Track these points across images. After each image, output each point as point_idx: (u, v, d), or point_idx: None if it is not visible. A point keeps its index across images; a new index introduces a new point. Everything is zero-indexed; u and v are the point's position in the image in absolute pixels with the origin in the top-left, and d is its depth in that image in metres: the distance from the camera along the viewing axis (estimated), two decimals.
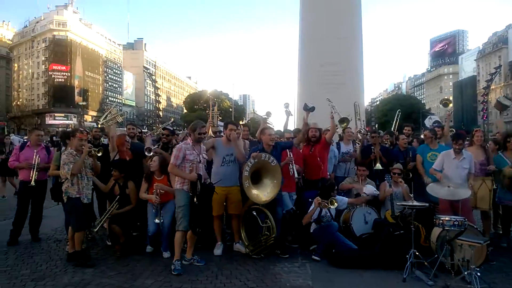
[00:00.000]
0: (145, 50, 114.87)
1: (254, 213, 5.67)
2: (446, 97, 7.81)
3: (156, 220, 5.62)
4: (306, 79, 12.30)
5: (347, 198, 6.33)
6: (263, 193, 5.65)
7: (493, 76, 52.07)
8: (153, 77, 60.88)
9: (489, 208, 6.48)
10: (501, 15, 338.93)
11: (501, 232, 6.99)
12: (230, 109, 76.89)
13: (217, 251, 5.82)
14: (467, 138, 6.97)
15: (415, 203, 5.17)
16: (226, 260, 5.58)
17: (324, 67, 11.74)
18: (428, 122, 10.14)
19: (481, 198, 6.35)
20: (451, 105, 7.46)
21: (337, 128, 7.06)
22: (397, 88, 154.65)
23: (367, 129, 7.96)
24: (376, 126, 8.74)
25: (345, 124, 7.25)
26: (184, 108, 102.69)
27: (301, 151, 6.79)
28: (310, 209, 5.84)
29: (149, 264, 5.40)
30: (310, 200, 5.94)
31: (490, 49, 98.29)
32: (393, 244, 5.34)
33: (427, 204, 5.40)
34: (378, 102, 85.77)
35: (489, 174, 6.48)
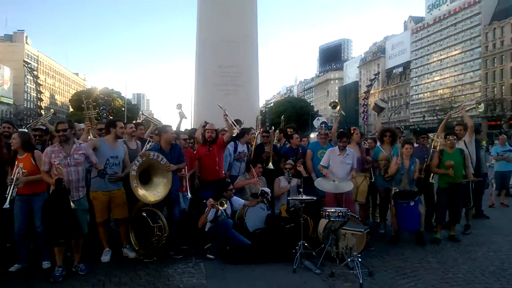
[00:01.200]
0: (27, 43, 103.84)
1: (144, 214, 5.39)
2: (334, 100, 8.38)
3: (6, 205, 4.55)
4: (202, 81, 12.16)
5: (243, 200, 6.32)
6: (152, 193, 5.42)
7: (373, 82, 57.49)
8: (35, 72, 55.16)
9: (366, 201, 7.23)
10: (380, 28, 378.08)
11: (378, 220, 7.71)
12: (123, 108, 73.23)
13: (105, 257, 5.39)
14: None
15: (304, 197, 5.43)
16: (114, 267, 5.20)
17: (221, 69, 11.75)
18: (316, 123, 10.99)
19: (361, 192, 6.96)
20: (339, 107, 8.07)
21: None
22: (289, 91, 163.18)
23: (261, 129, 8.15)
24: (273, 127, 9.05)
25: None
26: (70, 106, 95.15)
27: (194, 152, 6.73)
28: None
29: (25, 278, 4.82)
30: (204, 201, 5.84)
31: (371, 57, 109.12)
32: (284, 237, 5.55)
33: (314, 198, 5.70)
34: (272, 104, 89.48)
35: (367, 170, 7.16)
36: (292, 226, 5.72)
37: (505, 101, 64.74)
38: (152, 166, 5.50)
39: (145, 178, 5.49)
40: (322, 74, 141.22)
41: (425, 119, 71.25)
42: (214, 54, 11.86)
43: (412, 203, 6.12)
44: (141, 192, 5.34)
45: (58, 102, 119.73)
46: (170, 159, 5.63)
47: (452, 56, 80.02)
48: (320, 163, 6.57)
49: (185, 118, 7.30)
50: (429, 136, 7.72)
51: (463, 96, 75.75)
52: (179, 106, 7.31)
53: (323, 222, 5.54)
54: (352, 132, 7.20)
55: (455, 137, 6.85)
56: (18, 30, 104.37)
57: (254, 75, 12.44)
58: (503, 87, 67.46)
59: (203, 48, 12.26)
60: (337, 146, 6.51)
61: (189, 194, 5.99)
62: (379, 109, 8.79)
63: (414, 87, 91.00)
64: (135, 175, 5.29)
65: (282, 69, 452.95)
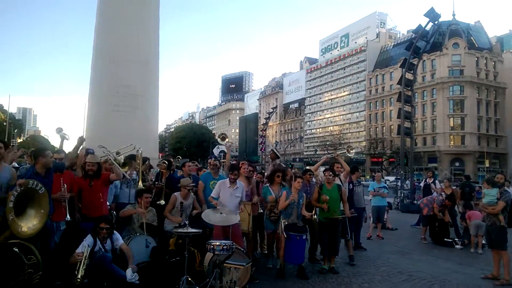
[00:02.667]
0: None
1: (16, 250, 4.61)
2: (223, 132, 8.48)
3: None
4: (97, 99, 11.55)
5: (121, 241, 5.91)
6: (27, 226, 4.75)
7: (270, 114, 60.50)
8: None
9: (248, 230, 6.96)
10: (279, 64, 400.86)
11: (266, 252, 7.86)
12: (5, 123, 65.78)
13: None
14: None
15: (190, 229, 5.35)
16: None
17: (118, 88, 11.25)
18: (216, 151, 11.14)
19: (242, 220, 6.79)
20: (227, 139, 8.19)
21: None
22: (191, 117, 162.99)
23: (160, 155, 7.99)
24: (172, 151, 8.88)
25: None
26: None
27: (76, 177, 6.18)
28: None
29: None
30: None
31: (270, 91, 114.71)
32: (169, 271, 5.36)
33: (200, 230, 5.64)
34: (173, 129, 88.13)
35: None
36: (178, 259, 5.57)
37: (385, 140, 72.52)
38: (29, 195, 4.82)
39: (19, 209, 4.77)
40: (224, 103, 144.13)
41: (317, 152, 76.46)
42: (111, 72, 11.44)
43: (304, 237, 6.44)
44: (21, 224, 4.67)
45: None
46: (45, 184, 5.11)
47: (341, 96, 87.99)
48: (211, 194, 6.56)
49: (67, 139, 6.73)
50: (313, 172, 8.17)
51: (350, 134, 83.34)
52: (59, 130, 6.72)
53: (209, 255, 5.49)
54: (240, 166, 7.27)
55: (331, 173, 7.36)
56: None
57: (153, 97, 12.26)
58: (384, 128, 75.81)
59: (100, 65, 11.80)
60: (227, 179, 6.58)
61: (68, 216, 5.41)
62: (274, 156, 9.13)
63: (308, 123, 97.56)
64: (11, 207, 4.57)
65: (184, 94, 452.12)
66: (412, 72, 20.26)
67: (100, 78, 11.74)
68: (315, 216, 7.43)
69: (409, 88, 20.19)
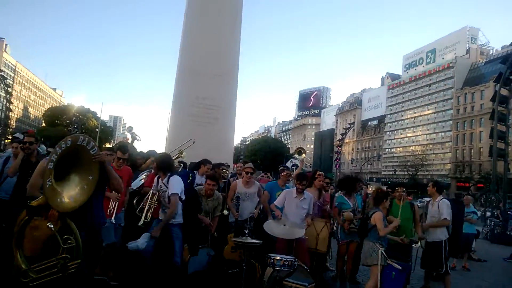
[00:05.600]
0: (5, 51, 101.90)
1: (51, 226, 3.30)
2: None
3: None
4: (179, 110, 11.98)
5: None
6: (69, 195, 3.49)
7: (347, 130, 58.74)
8: (7, 80, 53.74)
9: (316, 248, 6.38)
10: (359, 80, 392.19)
11: (332, 269, 7.24)
12: (97, 129, 71.69)
13: None
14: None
15: (249, 239, 4.99)
16: None
17: (198, 100, 11.62)
18: (289, 164, 10.92)
19: (322, 240, 6.35)
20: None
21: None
22: (267, 131, 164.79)
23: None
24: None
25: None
26: (43, 121, 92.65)
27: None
28: None
29: None
30: None
31: (348, 107, 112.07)
32: (226, 283, 5.06)
33: (260, 242, 5.24)
34: (248, 142, 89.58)
35: (327, 216, 6.73)
36: (237, 271, 5.25)
37: (473, 164, 66.81)
38: (76, 156, 3.58)
39: (61, 173, 3.50)
40: (300, 118, 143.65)
41: (396, 173, 72.52)
42: (193, 84, 11.79)
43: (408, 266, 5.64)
44: (60, 193, 3.42)
45: (31, 115, 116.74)
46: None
47: (425, 115, 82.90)
48: (274, 202, 6.13)
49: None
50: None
51: (434, 155, 78.06)
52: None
53: (269, 271, 5.10)
54: (316, 176, 6.73)
55: (403, 189, 6.60)
56: None
57: (231, 110, 12.37)
58: (472, 150, 69.84)
59: (183, 78, 12.21)
60: (294, 188, 6.15)
61: (113, 220, 5.26)
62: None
63: (387, 141, 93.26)
64: (52, 168, 3.34)
65: (262, 108, 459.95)
66: (508, 88, 18.27)
67: (182, 90, 12.22)
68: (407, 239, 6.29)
69: (504, 106, 18.20)
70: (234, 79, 12.69)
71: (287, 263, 4.56)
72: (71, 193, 3.51)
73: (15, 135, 6.37)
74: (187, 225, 5.31)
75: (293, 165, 10.72)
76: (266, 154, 78.92)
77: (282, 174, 7.01)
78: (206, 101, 11.68)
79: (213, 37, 12.17)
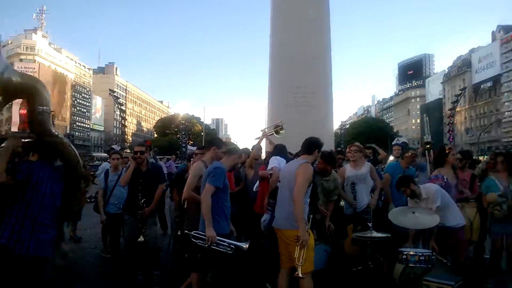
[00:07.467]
0: (117, 74, 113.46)
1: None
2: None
3: None
4: (275, 101, 11.94)
5: None
6: None
7: (459, 98, 53.24)
8: (120, 99, 59.41)
9: (470, 239, 5.36)
10: (465, 39, 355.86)
11: None
12: (202, 133, 75.81)
13: None
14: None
15: (374, 233, 4.34)
16: None
17: (294, 89, 11.48)
18: (396, 142, 9.73)
19: (477, 229, 5.39)
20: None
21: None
22: (366, 112, 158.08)
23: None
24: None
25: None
26: (154, 132, 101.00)
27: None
28: None
29: None
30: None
31: (455, 72, 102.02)
32: (350, 282, 4.51)
33: (389, 235, 4.56)
34: (348, 126, 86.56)
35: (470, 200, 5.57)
36: (360, 269, 4.66)
37: None
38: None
39: None
40: (401, 92, 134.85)
41: None
42: (287, 73, 11.69)
43: None
44: None
45: (144, 128, 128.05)
46: None
47: None
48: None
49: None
50: None
51: None
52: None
53: (399, 267, 4.40)
54: (447, 152, 5.67)
55: None
56: (109, 63, 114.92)
57: (327, 95, 12.10)
58: None
59: (276, 67, 12.19)
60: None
61: None
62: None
63: (506, 103, 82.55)
64: None
65: (358, 88, 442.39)
66: None
67: (276, 78, 12.09)
68: None
69: None
70: (327, 62, 12.33)
71: (423, 258, 3.83)
72: None
73: (112, 146, 6.62)
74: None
75: (402, 142, 9.69)
76: (369, 137, 75.49)
77: (407, 154, 6.21)
78: (301, 89, 11.52)
79: (302, 21, 11.88)
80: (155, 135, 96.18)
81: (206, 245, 3.87)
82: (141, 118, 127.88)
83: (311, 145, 4.38)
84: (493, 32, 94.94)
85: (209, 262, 4.08)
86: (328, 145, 7.92)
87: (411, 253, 3.90)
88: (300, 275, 3.78)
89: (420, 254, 3.88)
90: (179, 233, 5.08)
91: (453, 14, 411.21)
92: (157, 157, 14.56)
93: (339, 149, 9.53)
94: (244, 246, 3.97)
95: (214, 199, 4.04)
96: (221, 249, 3.91)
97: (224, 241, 3.94)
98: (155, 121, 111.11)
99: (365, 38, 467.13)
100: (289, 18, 12.10)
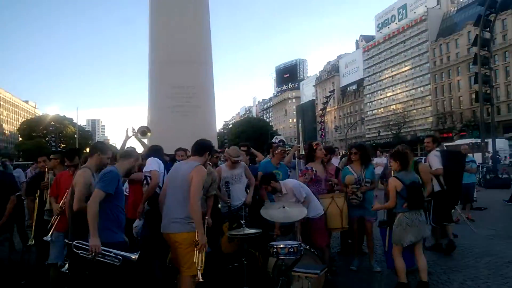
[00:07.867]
0: None
1: None
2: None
3: None
4: (156, 102, 11.57)
5: None
6: None
7: (328, 99, 58.29)
8: None
9: (342, 227, 5.70)
10: (334, 47, 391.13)
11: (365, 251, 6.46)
12: (75, 135, 69.93)
13: None
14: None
15: (246, 230, 4.39)
16: None
17: (175, 89, 11.20)
18: (275, 141, 10.19)
19: (332, 216, 5.61)
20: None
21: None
22: (248, 112, 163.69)
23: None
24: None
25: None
26: (19, 135, 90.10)
27: None
28: None
29: None
30: None
31: (326, 76, 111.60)
32: (228, 280, 4.49)
33: (260, 230, 4.64)
34: (231, 125, 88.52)
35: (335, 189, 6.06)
36: (236, 265, 4.68)
37: (454, 113, 67.29)
38: None
39: None
40: (279, 93, 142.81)
41: (380, 134, 72.75)
42: (167, 74, 11.37)
43: None
44: None
45: (6, 132, 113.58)
46: None
47: (402, 72, 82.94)
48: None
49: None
50: None
51: (415, 111, 78.50)
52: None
53: (272, 260, 4.52)
54: (315, 147, 6.03)
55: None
56: None
57: (210, 95, 12.10)
58: (452, 100, 70.33)
59: (155, 69, 11.82)
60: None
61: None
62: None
63: (368, 104, 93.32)
64: None
65: (240, 90, 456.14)
66: (488, 30, 17.76)
67: (156, 80, 11.75)
68: None
69: (486, 49, 17.79)
70: (208, 63, 12.34)
71: (292, 250, 3.97)
72: None
73: None
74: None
75: (279, 141, 10.08)
76: (251, 135, 78.34)
77: (276, 151, 6.39)
78: (183, 89, 11.32)
79: (182, 24, 11.66)
80: (20, 138, 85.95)
81: (90, 256, 3.45)
82: (2, 120, 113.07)
83: (202, 148, 4.34)
84: (356, 41, 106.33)
85: (97, 278, 3.62)
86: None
87: (281, 246, 4.00)
88: (201, 279, 3.71)
89: (289, 246, 4.00)
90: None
91: (322, 22, 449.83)
92: (26, 163, 13.01)
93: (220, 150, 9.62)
94: (133, 257, 3.62)
95: (106, 206, 3.63)
96: (107, 260, 3.53)
97: (111, 252, 3.53)
98: (19, 123, 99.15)
99: (247, 41, 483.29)
100: (168, 19, 11.82)
